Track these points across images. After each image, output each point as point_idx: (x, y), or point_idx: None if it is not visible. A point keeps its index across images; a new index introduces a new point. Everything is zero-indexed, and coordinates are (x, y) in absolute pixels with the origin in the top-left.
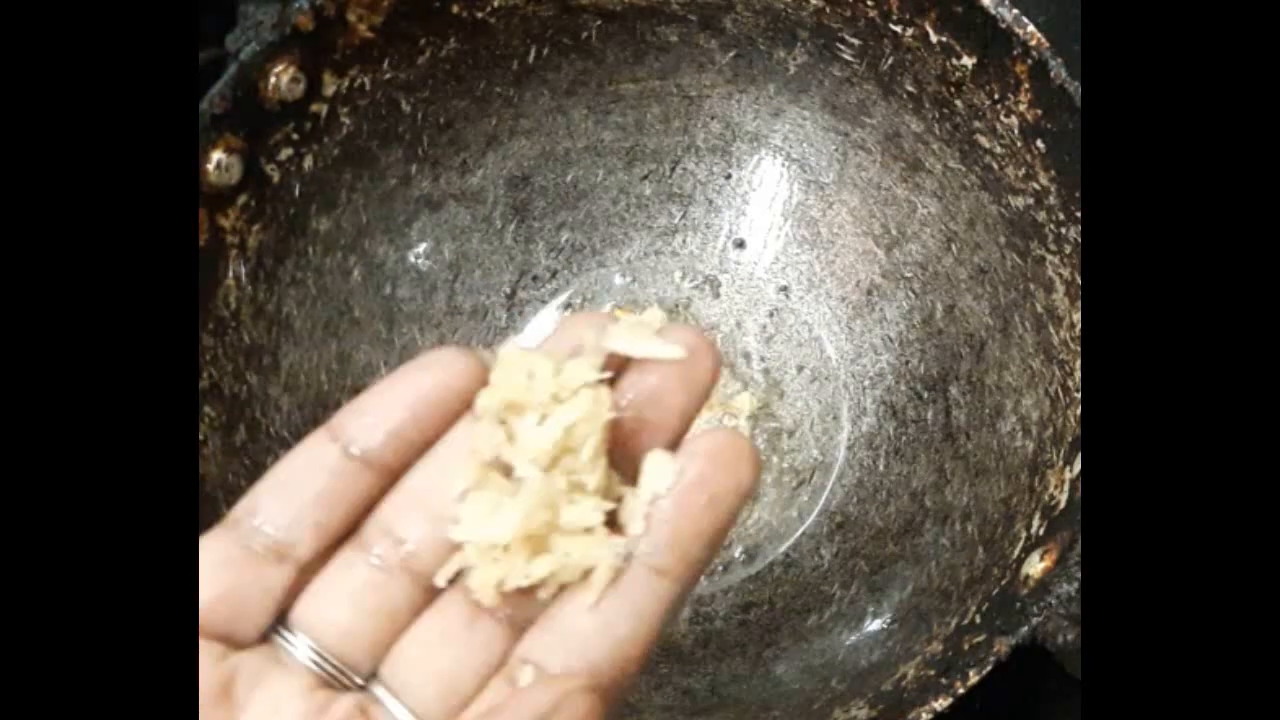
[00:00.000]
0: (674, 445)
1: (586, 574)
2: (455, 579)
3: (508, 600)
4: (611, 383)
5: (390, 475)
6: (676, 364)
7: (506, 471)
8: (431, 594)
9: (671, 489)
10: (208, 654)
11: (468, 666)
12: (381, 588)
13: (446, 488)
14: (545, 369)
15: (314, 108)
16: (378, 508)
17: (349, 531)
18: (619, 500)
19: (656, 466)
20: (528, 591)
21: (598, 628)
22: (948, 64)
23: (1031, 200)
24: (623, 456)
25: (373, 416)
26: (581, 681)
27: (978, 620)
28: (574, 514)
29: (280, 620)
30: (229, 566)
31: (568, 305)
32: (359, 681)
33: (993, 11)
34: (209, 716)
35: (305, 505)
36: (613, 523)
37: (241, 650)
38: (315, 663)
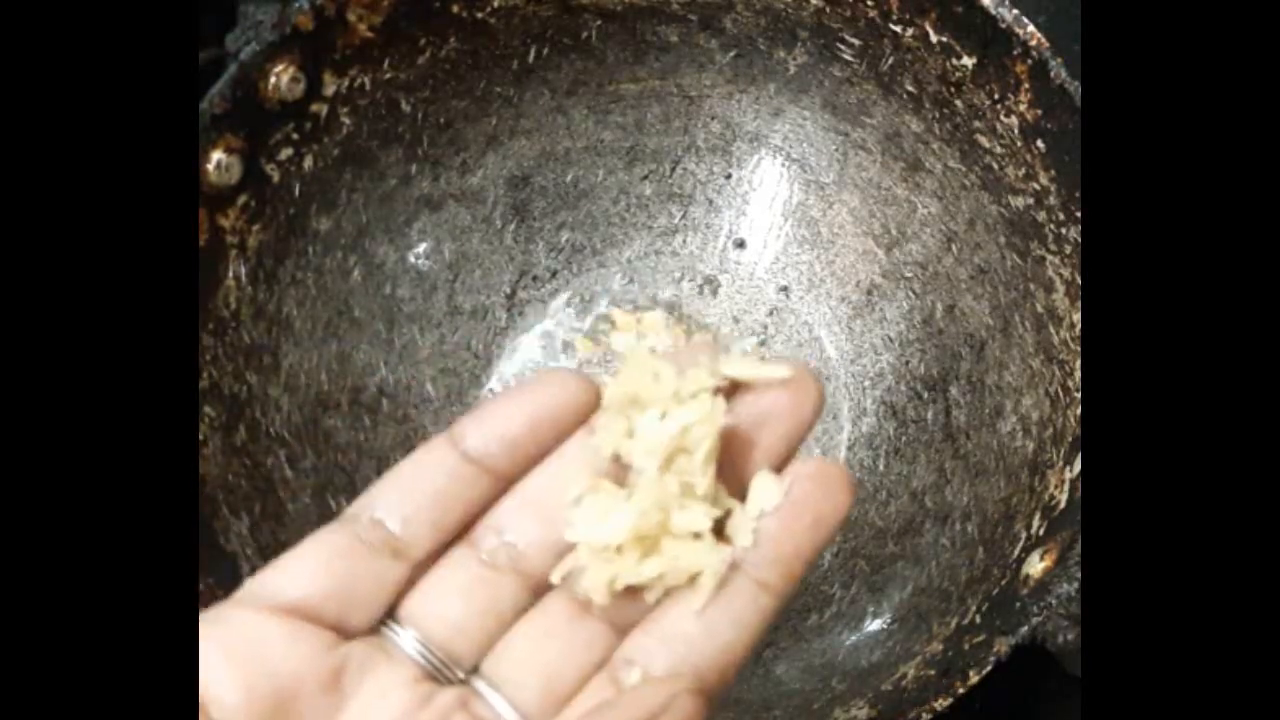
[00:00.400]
0: (778, 468)
1: (692, 579)
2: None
3: (614, 601)
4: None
5: (504, 482)
6: (785, 393)
7: (619, 480)
8: (536, 595)
9: (778, 508)
10: (319, 642)
11: (571, 664)
12: (491, 586)
13: (559, 494)
14: (669, 371)
15: (314, 108)
16: (491, 511)
17: (461, 534)
18: (727, 513)
19: (764, 485)
20: (635, 593)
21: (702, 632)
22: (948, 64)
23: (1031, 200)
24: (731, 474)
25: (493, 425)
26: (689, 683)
27: (978, 620)
28: (684, 519)
29: (389, 614)
30: (344, 559)
31: (568, 305)
32: (461, 676)
33: (993, 11)
34: (317, 703)
35: (422, 504)
36: (718, 534)
37: (351, 641)
38: (421, 655)
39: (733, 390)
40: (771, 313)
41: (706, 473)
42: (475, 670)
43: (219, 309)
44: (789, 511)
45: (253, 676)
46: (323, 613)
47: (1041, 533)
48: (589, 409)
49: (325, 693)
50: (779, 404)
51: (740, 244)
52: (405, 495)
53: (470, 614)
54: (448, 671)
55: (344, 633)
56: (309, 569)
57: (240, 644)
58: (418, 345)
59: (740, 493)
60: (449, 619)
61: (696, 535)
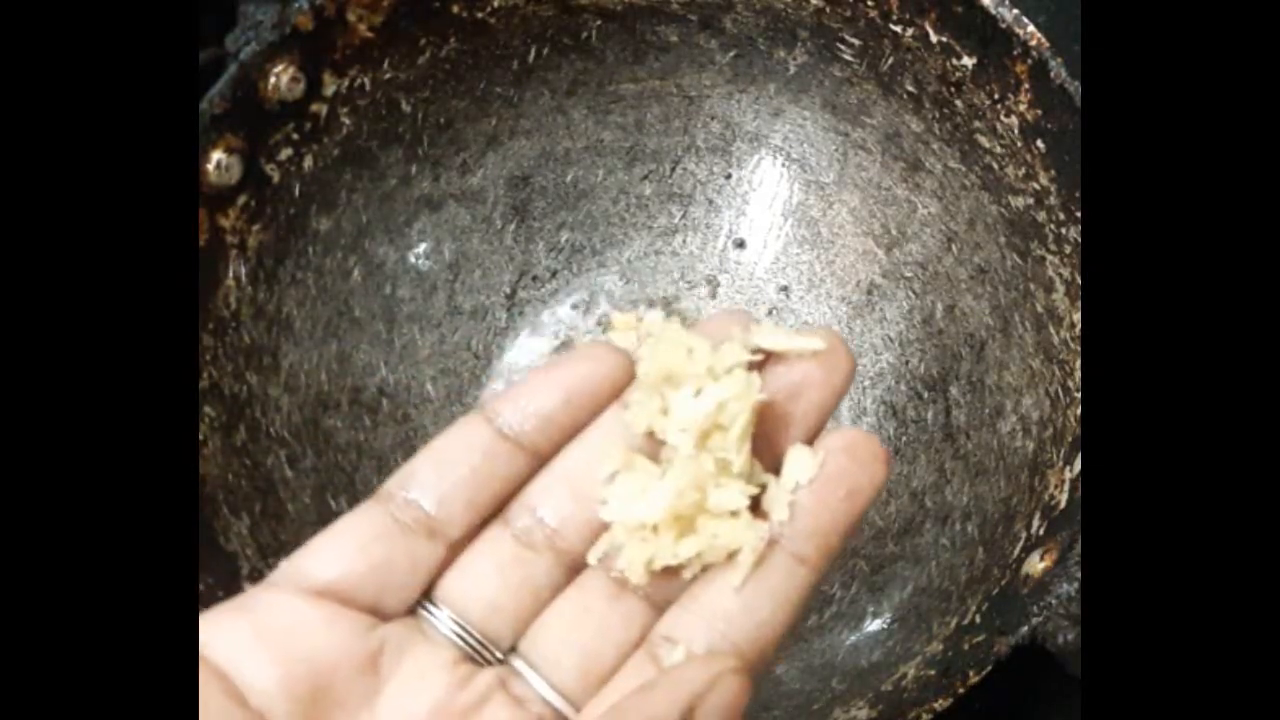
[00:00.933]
0: (811, 440)
1: (730, 556)
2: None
3: (651, 579)
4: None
5: (540, 459)
6: (817, 363)
7: (653, 455)
8: (573, 573)
9: (813, 481)
10: (355, 625)
11: (609, 642)
12: (527, 564)
13: (593, 471)
14: (703, 346)
15: (314, 108)
16: (526, 488)
17: (497, 512)
18: (762, 488)
19: (799, 459)
20: (672, 571)
21: (741, 609)
22: (948, 64)
23: (1031, 200)
24: (764, 448)
25: (527, 401)
26: (733, 662)
27: (978, 620)
28: (721, 497)
29: (425, 595)
30: (380, 540)
31: (568, 305)
32: (499, 655)
33: (993, 11)
34: (355, 687)
35: (458, 483)
36: (754, 509)
37: (388, 623)
38: (459, 636)
39: (763, 360)
40: (771, 313)
41: (742, 450)
42: (513, 649)
43: (219, 309)
44: (823, 485)
45: (289, 661)
46: (358, 595)
47: (1041, 533)
48: (624, 382)
49: (363, 676)
50: (811, 375)
51: (740, 244)
52: (440, 474)
53: (507, 593)
54: (485, 652)
55: (380, 615)
56: (344, 551)
57: (275, 628)
58: (418, 345)
59: (773, 465)
60: (485, 599)
61: (733, 513)
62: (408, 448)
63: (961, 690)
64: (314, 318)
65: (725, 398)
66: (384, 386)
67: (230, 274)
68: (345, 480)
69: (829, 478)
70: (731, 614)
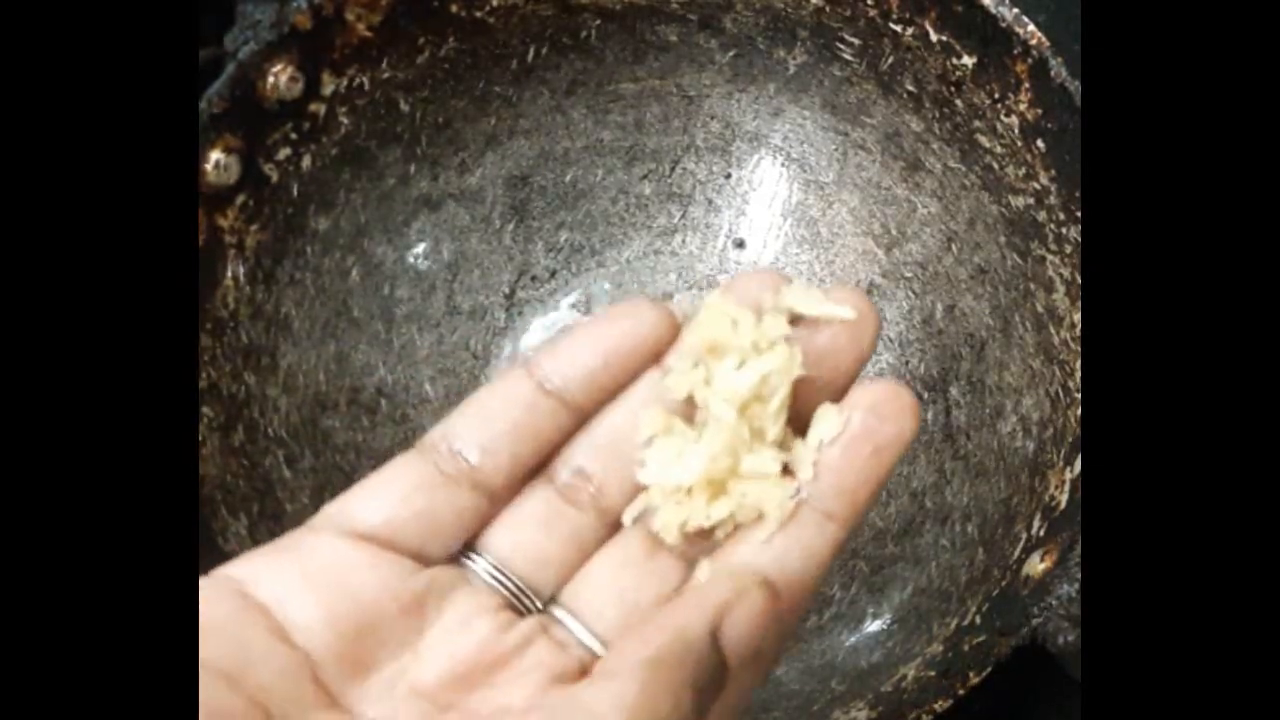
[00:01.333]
0: (838, 398)
1: (761, 517)
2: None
3: (685, 540)
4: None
5: (580, 416)
6: (845, 324)
7: (689, 418)
8: (613, 530)
9: (838, 439)
10: (399, 567)
11: (647, 593)
12: (570, 518)
13: (633, 432)
14: (748, 319)
15: (312, 107)
16: (567, 446)
17: (539, 467)
18: (791, 451)
19: (825, 418)
20: (705, 533)
21: (771, 562)
22: (948, 63)
23: (1032, 200)
24: (792, 409)
25: (569, 357)
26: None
27: (978, 621)
28: (754, 462)
29: (469, 546)
30: (423, 490)
31: (567, 305)
32: (539, 605)
33: (993, 11)
34: (399, 627)
35: (500, 435)
36: (784, 471)
37: (432, 567)
38: (500, 583)
39: (791, 322)
40: None
41: (778, 420)
42: (553, 600)
43: (217, 309)
44: (849, 443)
45: (334, 600)
46: (401, 541)
47: (1042, 534)
48: (666, 341)
49: (407, 617)
50: (839, 339)
51: (740, 244)
52: (484, 426)
53: (549, 547)
54: (526, 600)
55: (424, 561)
56: (388, 498)
57: (320, 568)
58: (416, 345)
59: (799, 425)
60: (529, 549)
61: (764, 477)
62: (407, 448)
63: (961, 691)
64: (312, 318)
65: (768, 371)
66: (382, 387)
67: (228, 274)
68: (344, 480)
69: (854, 436)
70: (761, 566)
